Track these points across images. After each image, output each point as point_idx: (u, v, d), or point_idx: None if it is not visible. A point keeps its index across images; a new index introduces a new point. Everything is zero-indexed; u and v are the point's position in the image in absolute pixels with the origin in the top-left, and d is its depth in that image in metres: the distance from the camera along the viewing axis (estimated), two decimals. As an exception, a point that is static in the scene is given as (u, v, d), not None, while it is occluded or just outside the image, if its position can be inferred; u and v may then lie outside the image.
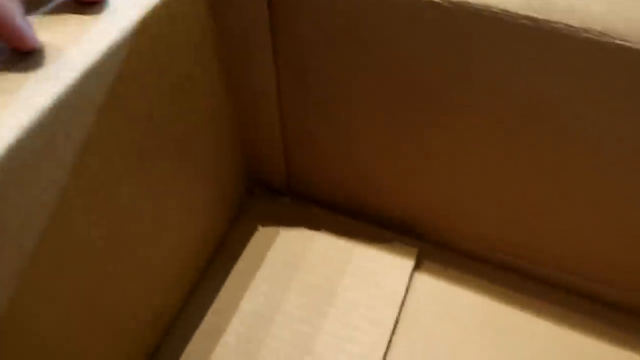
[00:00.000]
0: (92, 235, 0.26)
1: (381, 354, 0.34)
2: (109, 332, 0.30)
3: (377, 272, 0.38)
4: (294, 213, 0.42)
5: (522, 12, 0.22)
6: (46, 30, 0.22)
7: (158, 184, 0.30)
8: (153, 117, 0.27)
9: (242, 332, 0.36)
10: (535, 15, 0.22)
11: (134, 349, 0.33)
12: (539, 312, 0.36)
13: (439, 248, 0.40)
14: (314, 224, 0.41)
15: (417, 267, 0.39)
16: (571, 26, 0.21)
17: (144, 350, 0.34)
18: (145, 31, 0.24)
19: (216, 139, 0.35)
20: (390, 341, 0.35)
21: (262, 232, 0.41)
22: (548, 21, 0.21)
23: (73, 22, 0.23)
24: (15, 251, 0.21)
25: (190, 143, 0.32)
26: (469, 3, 0.23)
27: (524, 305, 0.37)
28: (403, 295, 0.37)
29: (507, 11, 0.22)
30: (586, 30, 0.21)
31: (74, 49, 0.22)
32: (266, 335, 0.35)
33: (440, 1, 0.23)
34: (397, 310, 0.36)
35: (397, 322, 0.36)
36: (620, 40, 0.20)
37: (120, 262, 0.28)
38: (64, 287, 0.24)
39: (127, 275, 0.29)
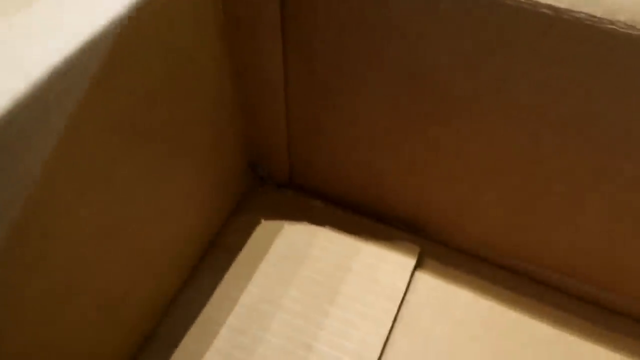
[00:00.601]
0: (82, 214, 0.25)
1: (378, 351, 0.34)
2: (98, 315, 0.29)
3: (377, 268, 0.37)
4: (295, 206, 0.41)
5: (543, 0, 0.21)
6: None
7: (156, 168, 0.29)
8: (152, 97, 0.26)
9: (236, 325, 0.35)
10: (557, 4, 0.21)
11: (125, 335, 0.32)
12: (540, 315, 0.36)
13: (442, 246, 0.39)
14: (315, 218, 0.40)
15: (418, 265, 0.38)
16: (594, 16, 0.20)
17: (135, 337, 0.33)
18: (148, 6, 0.23)
19: (218, 125, 0.34)
20: (387, 339, 0.34)
21: (262, 224, 0.40)
22: (570, 10, 0.21)
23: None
24: (3, 225, 0.20)
25: (190, 128, 0.31)
26: (488, -10, 0.22)
27: (525, 308, 0.36)
28: (403, 292, 0.36)
29: (527, -1, 0.21)
30: (611, 22, 0.20)
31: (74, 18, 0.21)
32: (261, 329, 0.35)
33: (458, -13, 0.22)
34: (396, 307, 0.35)
35: (395, 319, 0.35)
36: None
37: (112, 244, 0.28)
38: (50, 264, 0.23)
39: (119, 258, 0.29)
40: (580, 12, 0.20)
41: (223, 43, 0.30)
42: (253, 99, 0.35)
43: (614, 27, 0.20)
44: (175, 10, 0.25)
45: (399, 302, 0.36)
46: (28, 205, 0.21)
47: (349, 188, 0.39)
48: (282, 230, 0.40)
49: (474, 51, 0.24)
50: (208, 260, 0.38)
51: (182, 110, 0.29)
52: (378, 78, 0.29)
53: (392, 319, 0.35)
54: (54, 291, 0.24)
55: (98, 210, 0.25)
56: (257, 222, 0.40)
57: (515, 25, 0.22)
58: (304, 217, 0.40)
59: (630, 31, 0.19)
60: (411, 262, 0.38)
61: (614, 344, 0.34)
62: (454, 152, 0.30)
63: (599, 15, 0.20)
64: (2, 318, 0.22)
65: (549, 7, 0.21)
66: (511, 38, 0.23)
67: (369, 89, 0.30)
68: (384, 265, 0.37)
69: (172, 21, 0.25)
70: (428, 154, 0.32)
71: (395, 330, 0.35)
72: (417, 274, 0.38)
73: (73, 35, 0.20)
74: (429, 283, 0.37)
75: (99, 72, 0.22)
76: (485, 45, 0.24)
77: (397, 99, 0.30)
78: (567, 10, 0.21)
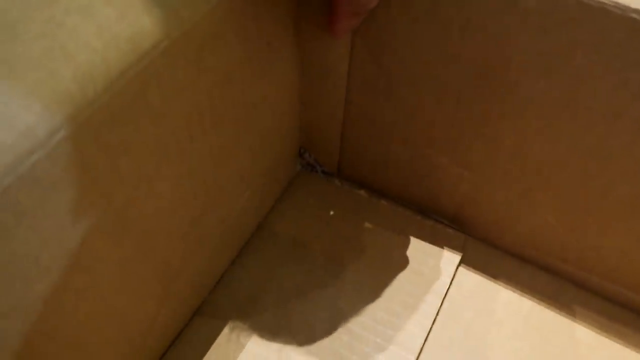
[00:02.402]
0: (158, 188, 0.26)
1: (421, 342, 0.34)
2: (158, 286, 0.30)
3: (423, 261, 0.38)
4: (341, 194, 0.42)
5: (633, 5, 0.21)
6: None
7: (222, 148, 0.30)
8: (230, 77, 0.27)
9: (282, 306, 0.36)
10: (646, 9, 0.21)
11: (177, 307, 0.33)
12: (582, 319, 0.36)
13: (487, 244, 0.39)
14: (363, 209, 0.41)
15: (463, 260, 0.38)
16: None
17: (185, 310, 0.35)
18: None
19: (279, 111, 0.35)
20: (430, 330, 0.35)
21: (309, 211, 0.41)
22: (659, 17, 0.21)
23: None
24: (97, 192, 0.21)
25: (256, 111, 0.32)
26: (575, -8, 0.22)
27: (566, 311, 0.36)
28: (447, 286, 0.37)
29: (617, 3, 0.21)
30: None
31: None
32: (304, 312, 0.35)
33: (544, -13, 0.23)
34: (440, 300, 0.36)
35: (438, 312, 0.36)
36: None
37: (177, 218, 0.29)
38: (126, 233, 0.25)
39: (180, 233, 0.30)
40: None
41: (295, 31, 0.31)
42: (314, 86, 0.35)
43: None
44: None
45: (443, 295, 0.36)
46: (116, 175, 0.22)
47: (397, 179, 0.40)
48: (328, 217, 0.40)
49: (551, 51, 0.24)
50: (255, 241, 0.39)
51: (252, 92, 0.30)
52: (445, 73, 0.29)
53: (435, 311, 0.36)
54: (126, 259, 0.25)
55: (171, 185, 0.26)
56: (304, 209, 0.41)
57: (600, 28, 0.22)
58: (351, 207, 0.41)
59: None
60: (456, 257, 0.38)
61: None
62: (514, 149, 0.31)
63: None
64: (79, 281, 0.23)
65: (639, 12, 0.21)
66: (594, 40, 0.23)
67: (435, 82, 0.30)
68: (429, 259, 0.38)
69: (255, 9, 0.26)
70: (487, 150, 0.32)
71: (437, 323, 0.35)
72: (462, 269, 0.38)
73: (178, 17, 0.21)
74: (473, 279, 0.38)
75: (194, 53, 0.22)
76: (565, 46, 0.24)
77: (462, 94, 0.30)
78: (656, 16, 0.21)
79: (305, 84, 0.35)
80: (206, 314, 0.35)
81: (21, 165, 0.17)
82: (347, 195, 0.42)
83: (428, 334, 0.35)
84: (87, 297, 0.24)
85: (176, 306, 0.33)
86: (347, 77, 0.34)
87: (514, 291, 0.37)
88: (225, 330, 0.35)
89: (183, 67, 0.22)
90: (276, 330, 0.35)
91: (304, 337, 0.34)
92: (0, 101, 0.16)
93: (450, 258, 0.38)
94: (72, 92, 0.18)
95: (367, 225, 0.40)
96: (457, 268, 0.38)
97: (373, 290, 0.36)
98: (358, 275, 0.37)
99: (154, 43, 0.20)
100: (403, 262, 0.38)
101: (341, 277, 0.37)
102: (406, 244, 0.39)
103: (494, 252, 0.39)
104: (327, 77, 0.34)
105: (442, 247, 0.39)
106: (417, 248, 0.39)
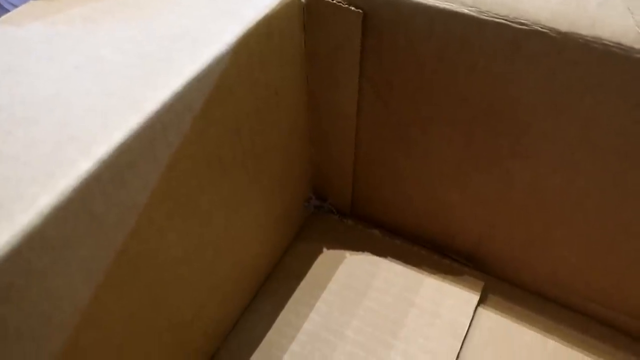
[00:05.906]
0: (170, 238, 0.26)
1: (441, 388, 0.33)
2: (169, 336, 0.29)
3: (440, 302, 0.37)
4: (356, 235, 0.42)
5: (637, 45, 0.21)
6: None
7: (234, 196, 0.30)
8: (239, 128, 0.28)
9: (298, 352, 0.35)
10: (652, 50, 0.21)
11: (190, 357, 0.33)
12: (605, 355, 0.34)
13: (506, 283, 0.38)
14: (377, 249, 0.40)
15: (482, 300, 0.37)
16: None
17: (198, 359, 0.34)
18: (246, 45, 0.24)
19: (290, 155, 0.35)
20: (450, 376, 0.34)
21: (323, 253, 0.41)
22: (666, 57, 0.21)
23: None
24: (108, 247, 0.21)
25: (267, 157, 0.32)
26: (579, 34, 0.22)
27: (591, 350, 0.35)
28: (466, 328, 0.36)
29: (620, 44, 0.21)
30: None
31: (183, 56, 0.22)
32: (322, 357, 0.35)
33: (547, 30, 0.23)
34: (459, 344, 0.35)
35: (458, 356, 0.35)
36: None
37: (189, 267, 0.29)
38: (136, 285, 0.25)
39: (192, 281, 0.30)
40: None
41: (303, 77, 0.31)
42: (324, 130, 0.36)
43: None
44: (266, 49, 0.26)
45: (462, 338, 0.35)
46: (127, 229, 0.22)
47: (411, 218, 0.40)
48: (343, 259, 0.40)
49: (560, 92, 0.24)
50: (270, 286, 0.39)
51: (262, 140, 0.30)
52: (455, 113, 0.29)
53: (455, 355, 0.35)
54: (136, 313, 0.25)
55: (183, 235, 0.26)
56: (319, 251, 0.41)
57: (606, 69, 0.22)
58: (365, 247, 0.41)
59: None
60: (475, 297, 0.37)
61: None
62: (529, 187, 0.30)
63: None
64: (90, 336, 0.23)
65: (644, 52, 0.21)
66: (601, 81, 0.23)
67: (444, 123, 0.30)
68: (446, 300, 0.37)
69: (263, 60, 0.26)
70: (500, 188, 0.32)
71: (457, 367, 0.34)
72: (480, 309, 0.37)
73: (182, 73, 0.21)
74: (493, 320, 0.37)
75: (200, 107, 0.23)
76: (573, 87, 0.24)
77: (472, 133, 0.30)
78: (663, 56, 0.21)
79: (314, 127, 0.36)
80: (221, 362, 0.35)
81: (31, 226, 0.17)
82: (360, 235, 0.42)
83: (448, 379, 0.34)
84: (98, 352, 0.23)
85: (189, 355, 0.33)
86: (356, 119, 0.34)
87: (536, 331, 0.36)
88: (240, 378, 0.34)
89: (190, 121, 0.23)
90: (292, 377, 0.34)
91: (321, 384, 0.33)
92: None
93: (468, 298, 0.37)
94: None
95: (383, 265, 0.39)
96: (476, 308, 0.37)
97: (390, 333, 0.36)
98: (375, 318, 0.36)
99: (160, 99, 0.21)
100: (420, 303, 0.37)
101: (358, 319, 0.36)
102: (422, 284, 0.38)
103: (514, 290, 0.38)
104: (336, 119, 0.34)
105: (460, 287, 0.38)
106: (434, 288, 0.38)
